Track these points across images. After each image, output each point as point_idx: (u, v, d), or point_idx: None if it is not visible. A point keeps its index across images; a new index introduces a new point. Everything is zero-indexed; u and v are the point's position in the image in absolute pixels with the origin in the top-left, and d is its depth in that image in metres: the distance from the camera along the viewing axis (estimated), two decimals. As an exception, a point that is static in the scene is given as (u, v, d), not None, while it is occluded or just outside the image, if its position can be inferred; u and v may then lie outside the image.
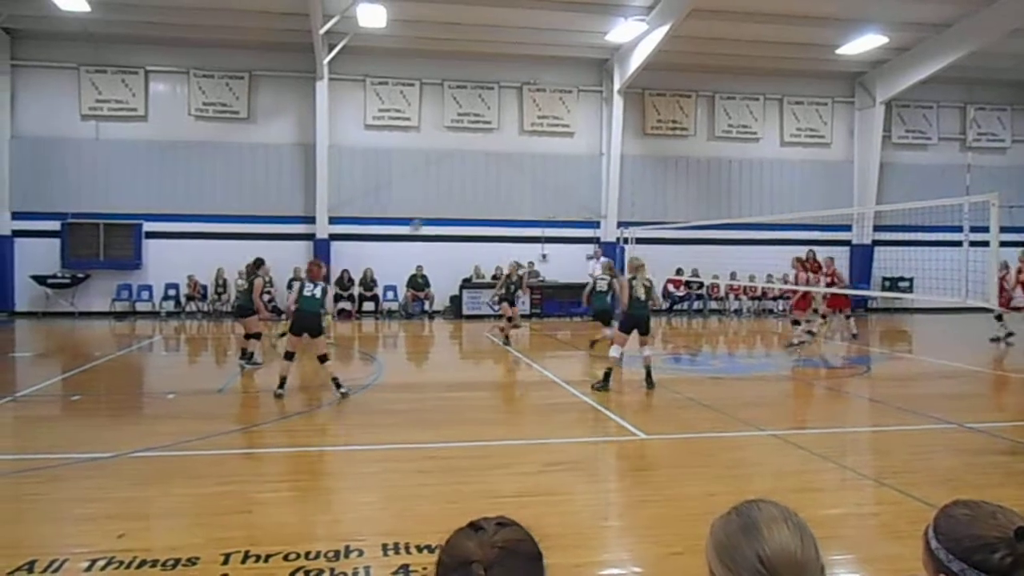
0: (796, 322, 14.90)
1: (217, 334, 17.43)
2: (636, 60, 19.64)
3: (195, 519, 5.12)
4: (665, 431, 7.84)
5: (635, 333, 10.35)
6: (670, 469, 6.58)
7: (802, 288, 14.74)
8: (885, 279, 21.82)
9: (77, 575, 4.09)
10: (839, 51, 20.05)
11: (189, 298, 20.01)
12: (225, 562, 4.23)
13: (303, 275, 10.65)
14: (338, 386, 9.38)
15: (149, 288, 20.13)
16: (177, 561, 4.23)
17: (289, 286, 20.16)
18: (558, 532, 4.55)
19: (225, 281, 19.95)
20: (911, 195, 18.83)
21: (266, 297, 19.86)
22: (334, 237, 20.42)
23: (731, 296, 22.16)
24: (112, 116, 19.83)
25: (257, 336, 12.22)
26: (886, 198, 22.01)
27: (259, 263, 12.29)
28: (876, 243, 22.62)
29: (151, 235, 19.98)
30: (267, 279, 13.89)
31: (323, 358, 9.62)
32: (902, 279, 20.88)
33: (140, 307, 20.07)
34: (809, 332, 14.83)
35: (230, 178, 20.16)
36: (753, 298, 22.06)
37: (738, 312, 22.00)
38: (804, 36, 19.50)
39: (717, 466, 6.69)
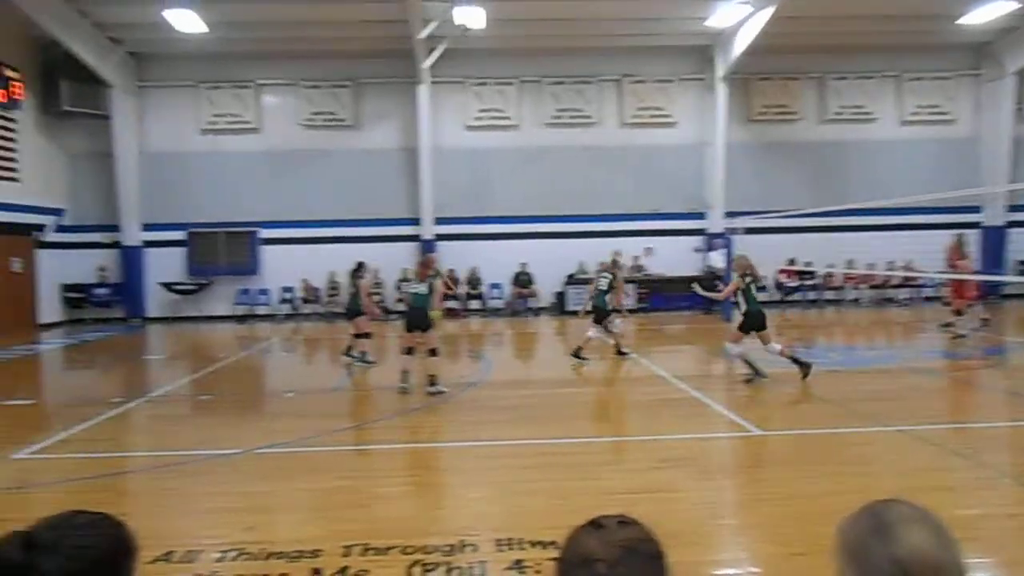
0: (959, 312, 14.02)
1: (330, 335, 18.05)
2: (740, 45, 19.05)
3: (316, 512, 5.31)
4: (781, 427, 7.57)
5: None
6: (787, 466, 6.34)
7: (963, 276, 13.86)
8: (1022, 263, 20.34)
9: (210, 565, 4.31)
10: (961, 21, 18.79)
11: (304, 300, 20.82)
12: (346, 554, 4.37)
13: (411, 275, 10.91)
14: (432, 383, 9.54)
15: (266, 292, 21.08)
16: (301, 553, 4.40)
17: (397, 287, 20.75)
18: (671, 530, 4.44)
19: (337, 283, 20.63)
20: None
21: (375, 298, 20.51)
22: (440, 237, 20.79)
23: (848, 286, 21.20)
24: (228, 129, 20.87)
25: (367, 336, 12.58)
26: (1021, 176, 20.48)
27: (360, 266, 12.70)
28: (1011, 224, 21.09)
29: (267, 241, 20.92)
30: (372, 280, 14.26)
31: (432, 352, 9.81)
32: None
33: (258, 310, 21.04)
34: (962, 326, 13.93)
35: (338, 184, 20.84)
36: (873, 287, 21.02)
37: (856, 302, 21.01)
38: (922, 7, 18.38)
39: (838, 463, 6.40)
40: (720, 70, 20.39)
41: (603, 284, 12.43)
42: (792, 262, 20.32)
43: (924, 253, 17.11)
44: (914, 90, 21.63)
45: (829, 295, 21.38)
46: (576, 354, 11.96)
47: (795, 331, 16.79)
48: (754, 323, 9.96)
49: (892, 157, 21.28)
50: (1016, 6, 17.82)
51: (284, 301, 21.00)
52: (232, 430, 8.10)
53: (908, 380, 10.39)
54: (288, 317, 20.74)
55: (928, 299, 21.00)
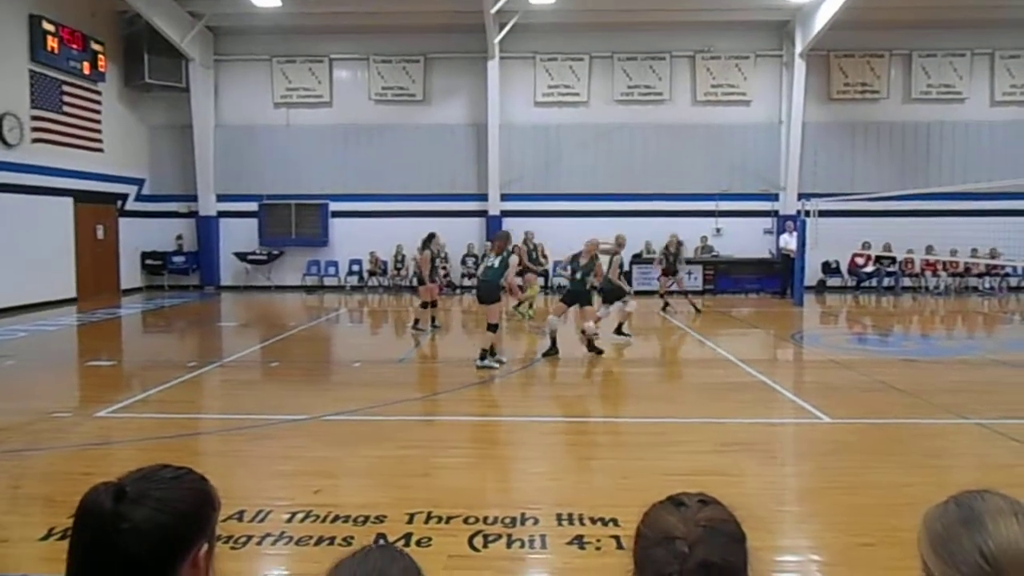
0: None
1: (397, 307, 18.31)
2: (821, 19, 18.36)
3: (381, 479, 5.41)
4: (852, 415, 7.36)
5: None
6: (858, 455, 6.16)
7: None
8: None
9: (280, 525, 4.45)
10: (1062, -5, 17.71)
11: (371, 273, 21.14)
12: (410, 521, 4.45)
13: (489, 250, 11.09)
14: (482, 357, 9.64)
15: (335, 264, 21.47)
16: (367, 518, 4.50)
17: (464, 261, 20.89)
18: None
19: (404, 257, 20.88)
20: None
21: (441, 272, 20.69)
22: (505, 213, 20.79)
23: (927, 273, 20.42)
24: (300, 103, 21.22)
25: (431, 305, 12.81)
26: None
27: (430, 237, 12.94)
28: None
29: (336, 214, 21.28)
30: (439, 252, 14.48)
31: (491, 327, 9.88)
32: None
33: (327, 281, 21.46)
34: None
35: (407, 158, 21.01)
36: (954, 275, 20.20)
37: (936, 290, 20.23)
38: (1018, -19, 17.41)
39: (912, 454, 6.20)
40: (799, 46, 19.72)
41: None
42: (866, 246, 19.67)
43: (1013, 240, 16.31)
44: (1008, 69, 20.51)
45: (907, 282, 20.64)
46: (618, 331, 12.09)
47: (870, 318, 16.29)
48: (578, 298, 10.36)
49: (981, 139, 20.28)
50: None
51: (352, 273, 21.36)
52: (301, 397, 8.31)
53: (989, 372, 9.97)
54: (355, 289, 21.10)
55: (1013, 288, 20.07)
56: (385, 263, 21.09)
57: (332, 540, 4.20)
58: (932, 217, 18.70)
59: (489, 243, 11.11)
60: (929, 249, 18.39)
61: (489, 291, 10.01)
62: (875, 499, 4.99)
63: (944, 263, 19.62)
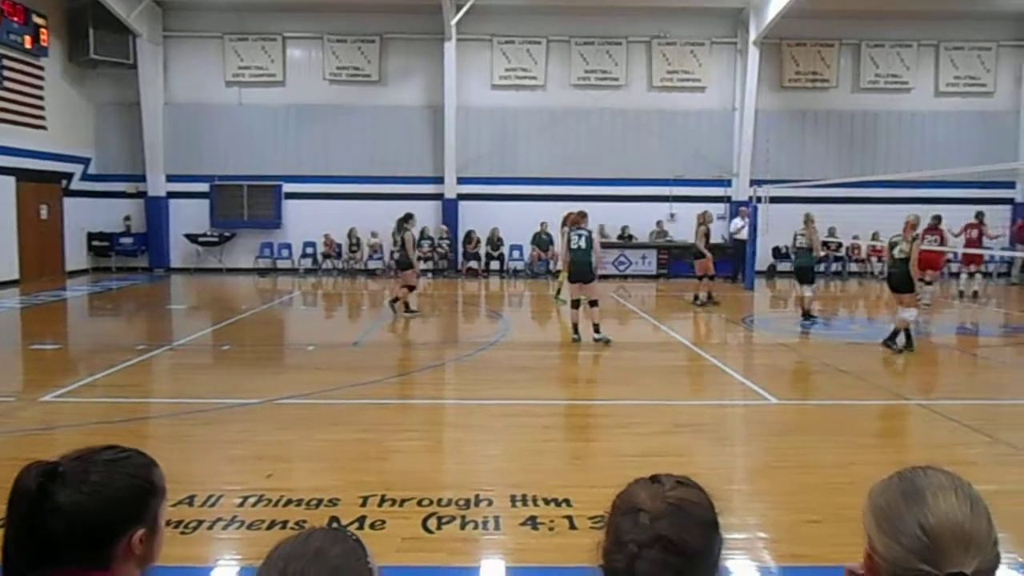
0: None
1: (351, 290, 18.17)
2: (774, 8, 18.60)
3: (335, 463, 5.40)
4: (798, 396, 7.57)
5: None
6: (804, 436, 6.34)
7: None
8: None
9: (231, 510, 4.41)
10: (1005, -11, 18.23)
11: (325, 256, 20.93)
12: (363, 504, 4.45)
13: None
14: (597, 331, 10.24)
15: (288, 246, 21.19)
16: (320, 501, 4.49)
17: (419, 244, 20.78)
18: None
19: (359, 239, 20.72)
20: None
21: (417, 253, 20.56)
22: (462, 197, 20.74)
23: (873, 258, 20.95)
24: (253, 82, 20.80)
25: (412, 288, 12.87)
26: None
27: (407, 217, 12.86)
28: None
29: (290, 196, 20.97)
30: (416, 234, 14.25)
31: (594, 303, 10.41)
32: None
33: (280, 264, 21.17)
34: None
35: (362, 140, 20.78)
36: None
37: (881, 275, 20.74)
38: (964, -26, 17.85)
39: (856, 434, 6.39)
40: (753, 34, 19.97)
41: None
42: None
43: (956, 227, 16.82)
44: (952, 60, 21.07)
45: (853, 267, 21.15)
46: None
47: (816, 302, 16.66)
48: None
49: (926, 129, 20.83)
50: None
51: (306, 256, 21.11)
52: (253, 381, 8.22)
53: (930, 354, 10.30)
54: (309, 272, 20.87)
55: (954, 274, 20.72)
56: (339, 246, 20.89)
57: (284, 524, 4.18)
58: (878, 204, 19.19)
59: (571, 222, 11.10)
60: (875, 235, 18.87)
61: (588, 270, 10.44)
62: (820, 477, 5.14)
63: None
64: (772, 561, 3.97)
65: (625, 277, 19.91)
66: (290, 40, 20.79)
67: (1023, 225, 18.89)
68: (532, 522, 4.24)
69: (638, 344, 11.43)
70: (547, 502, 4.49)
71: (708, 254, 14.38)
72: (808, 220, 12.56)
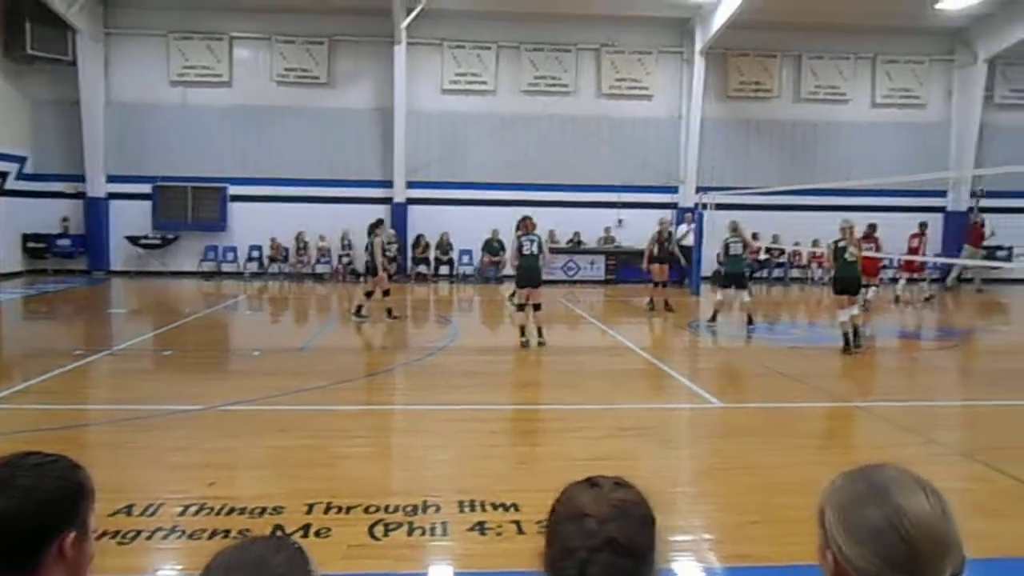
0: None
1: (298, 294, 17.93)
2: (719, 19, 18.99)
3: (280, 470, 5.32)
4: (741, 399, 7.71)
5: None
6: (746, 438, 6.47)
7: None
8: (986, 247, 20.72)
9: (172, 519, 4.31)
10: (939, 5, 18.91)
11: (272, 259, 20.62)
12: (308, 512, 4.39)
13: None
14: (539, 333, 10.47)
15: (234, 249, 20.81)
16: (264, 509, 4.42)
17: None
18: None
19: (306, 243, 20.47)
20: (1015, 159, 17.73)
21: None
22: (411, 201, 20.65)
23: (813, 264, 21.49)
24: (198, 82, 20.40)
25: (387, 293, 12.85)
26: (986, 162, 20.81)
27: (377, 223, 12.90)
28: (972, 210, 21.46)
29: (235, 198, 20.61)
30: (386, 239, 14.13)
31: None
32: (1000, 248, 19.81)
33: (225, 267, 20.78)
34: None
35: (310, 143, 20.54)
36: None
37: (821, 280, 21.30)
38: (900, -10, 18.48)
39: (796, 436, 6.56)
40: (699, 44, 20.35)
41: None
42: (756, 237, 20.53)
43: (891, 234, 17.40)
44: (888, 73, 21.81)
45: (795, 273, 21.67)
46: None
47: (759, 307, 17.01)
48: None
49: (863, 139, 21.49)
50: (991, -7, 17.98)
51: (252, 259, 20.76)
52: (196, 386, 8.05)
53: (867, 358, 10.61)
54: (255, 276, 20.53)
55: (894, 279, 21.39)
56: (286, 249, 20.60)
57: (227, 533, 4.10)
58: (819, 212, 19.70)
59: (523, 228, 11.13)
60: (815, 242, 19.36)
61: (537, 275, 10.64)
62: (762, 479, 5.25)
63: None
64: (717, 562, 4.05)
65: (574, 282, 20.04)
66: (237, 40, 20.45)
67: (976, 228, 19.50)
68: (480, 527, 4.24)
69: (586, 349, 11.53)
70: (495, 507, 4.50)
71: (386, 269, 13.79)
72: (735, 227, 12.95)
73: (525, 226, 11.05)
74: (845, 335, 10.24)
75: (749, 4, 17.60)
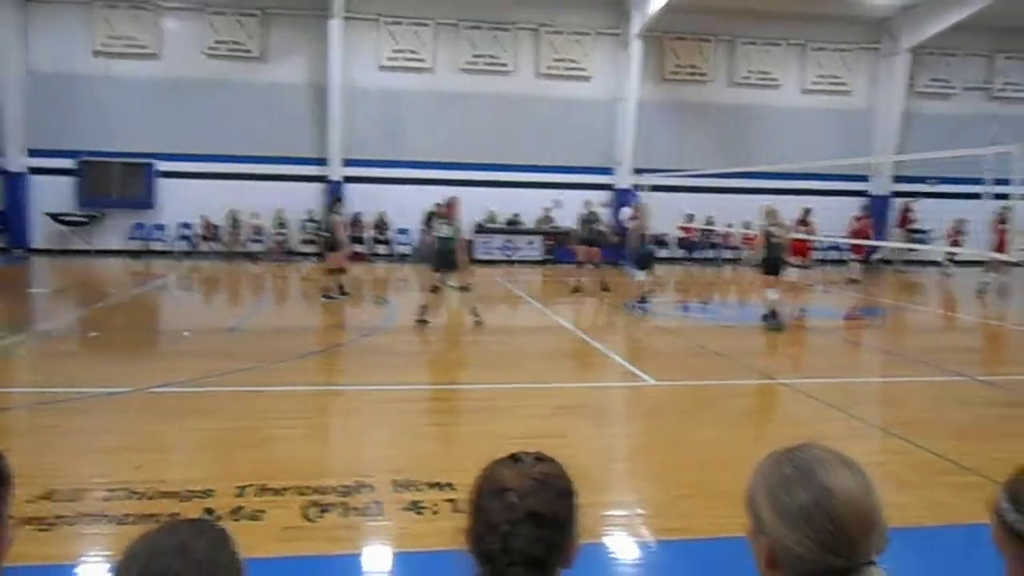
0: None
1: (231, 274, 17.53)
2: (656, 2, 19.15)
3: (211, 453, 5.23)
4: (674, 377, 7.88)
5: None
6: (679, 415, 6.63)
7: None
8: (911, 231, 21.49)
9: (95, 504, 4.20)
10: (865, -5, 19.47)
11: (203, 238, 20.08)
12: (240, 494, 4.33)
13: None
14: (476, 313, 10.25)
15: (163, 227, 20.19)
16: (193, 492, 4.33)
17: (302, 227, 20.25)
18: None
19: (239, 221, 20.01)
20: (932, 146, 18.45)
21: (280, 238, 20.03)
22: (348, 179, 20.33)
23: (746, 246, 22.00)
24: (124, 53, 19.60)
25: (342, 271, 12.72)
26: (907, 148, 21.58)
27: (337, 201, 12.94)
28: (895, 194, 22.30)
29: (164, 174, 19.94)
30: (349, 217, 14.04)
31: (466, 288, 10.58)
32: (919, 231, 20.62)
33: (154, 246, 20.14)
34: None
35: (243, 118, 19.98)
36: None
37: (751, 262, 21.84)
38: (830, -22, 18.93)
39: (727, 413, 6.74)
40: (636, 26, 20.48)
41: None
42: (691, 219, 20.94)
43: (820, 217, 17.97)
44: (817, 60, 22.37)
45: (728, 254, 22.15)
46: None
47: (693, 287, 17.38)
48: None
49: (793, 124, 22.01)
50: (915, -16, 18.60)
51: (182, 238, 20.18)
52: (123, 369, 7.81)
53: (794, 336, 10.96)
54: (185, 255, 19.96)
55: (822, 261, 22.09)
56: (218, 227, 20.09)
57: (155, 518, 4.01)
58: (751, 195, 20.16)
59: (436, 209, 11.01)
60: (747, 224, 19.83)
61: (451, 259, 10.35)
62: (693, 455, 5.39)
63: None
64: (650, 536, 4.15)
65: (512, 262, 20.09)
66: (165, 10, 19.70)
67: (905, 212, 20.50)
68: (415, 506, 4.25)
69: (523, 328, 11.61)
70: (430, 486, 4.51)
71: (348, 248, 13.98)
72: (639, 208, 13.33)
73: (440, 211, 10.86)
74: (774, 312, 10.57)
75: (685, -13, 17.78)
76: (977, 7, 18.83)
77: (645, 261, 12.98)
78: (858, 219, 18.88)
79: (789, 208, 17.28)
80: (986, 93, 22.99)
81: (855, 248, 17.83)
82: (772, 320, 10.68)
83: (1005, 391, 7.46)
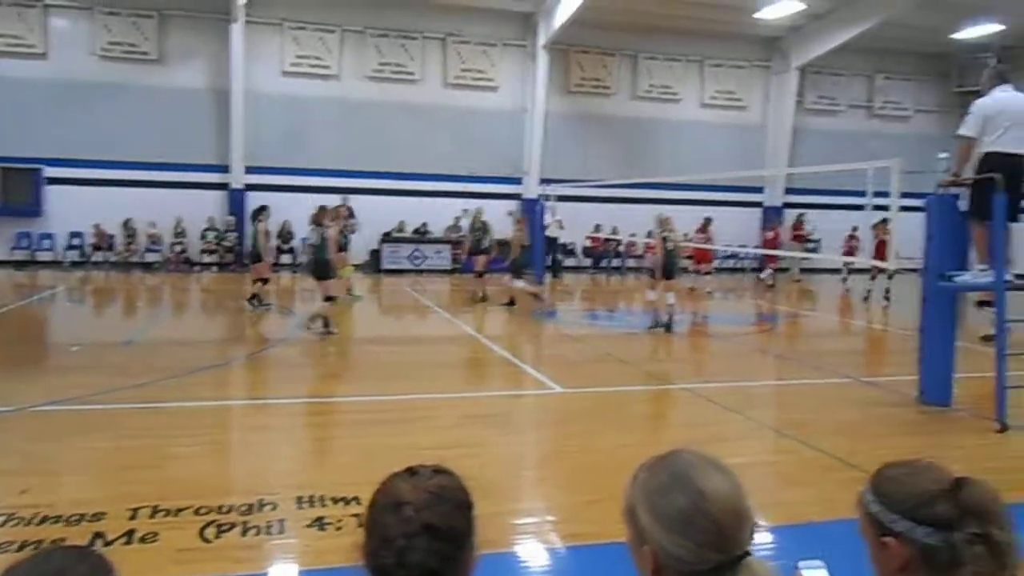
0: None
1: (126, 285, 16.77)
2: (561, 15, 19.52)
3: (102, 474, 4.98)
4: (580, 385, 8.00)
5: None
6: (585, 421, 6.74)
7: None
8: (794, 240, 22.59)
9: (-26, 532, 3.94)
10: (758, 15, 20.40)
11: (95, 247, 19.14)
12: (133, 517, 4.14)
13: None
14: (313, 322, 10.05)
15: (51, 236, 19.15)
16: (82, 516, 4.12)
17: (203, 236, 19.57)
18: (475, 483, 4.58)
19: (135, 230, 19.18)
20: (820, 160, 19.47)
21: (178, 247, 19.32)
22: (250, 187, 19.80)
23: (648, 255, 22.56)
24: (7, 52, 18.55)
25: (265, 281, 12.58)
26: (798, 162, 22.72)
27: (261, 209, 12.68)
28: (787, 205, 23.40)
29: (52, 181, 18.95)
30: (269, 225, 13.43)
31: (329, 299, 10.26)
32: (809, 240, 21.70)
33: (41, 256, 19.08)
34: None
35: (139, 123, 19.19)
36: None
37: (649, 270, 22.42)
38: (726, -1, 19.74)
39: (630, 418, 6.90)
40: (542, 39, 20.81)
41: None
42: (598, 229, 21.40)
43: (719, 227, 18.72)
44: (714, 76, 23.29)
45: (631, 263, 22.70)
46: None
47: (599, 295, 17.73)
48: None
49: (693, 137, 22.83)
50: (802, 6, 19.65)
51: (72, 248, 19.19)
52: (6, 385, 7.35)
53: (692, 342, 11.33)
54: (76, 265, 18.98)
55: (719, 270, 22.93)
56: (112, 237, 19.19)
57: (40, 544, 3.79)
58: (653, 205, 20.73)
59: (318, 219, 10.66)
60: (650, 234, 20.37)
61: (318, 267, 10.18)
62: (599, 460, 5.49)
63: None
64: (560, 542, 4.20)
65: (420, 272, 20.00)
66: (53, 9, 18.77)
67: (798, 225, 21.57)
68: (319, 523, 4.17)
69: (431, 338, 11.57)
70: (335, 501, 4.43)
71: (269, 257, 13.82)
72: (518, 219, 13.68)
73: (319, 216, 10.57)
74: (664, 316, 11.18)
75: (589, 3, 18.21)
76: (859, 30, 20.06)
77: (522, 270, 13.37)
78: (771, 229, 19.89)
79: (694, 218, 18.03)
80: (868, 111, 24.47)
81: (769, 257, 18.77)
82: (663, 322, 11.15)
83: (886, 391, 7.92)
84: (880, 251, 13.78)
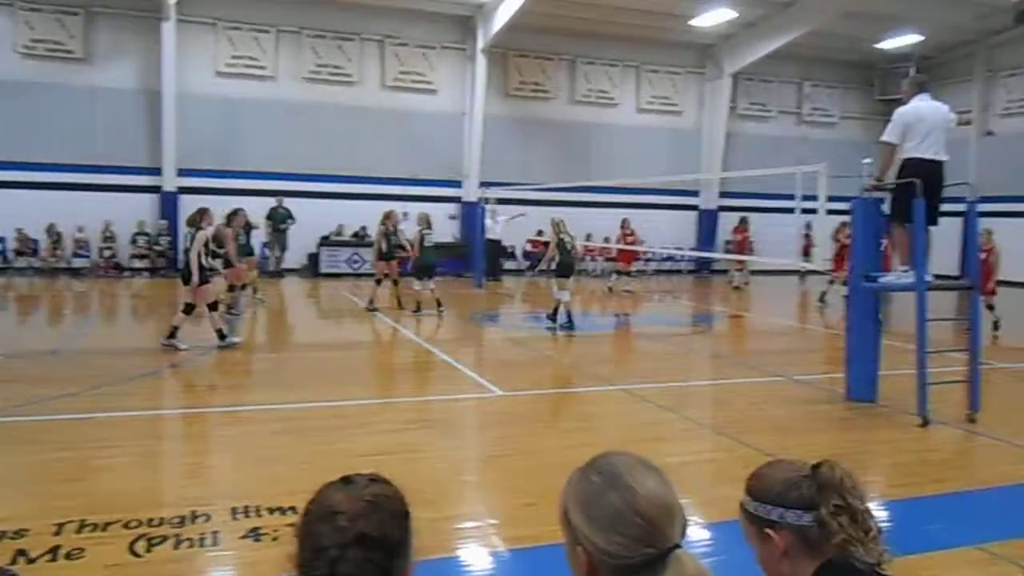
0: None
1: (51, 292, 16.16)
2: (500, 19, 19.57)
3: (26, 488, 4.80)
4: (521, 387, 8.03)
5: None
6: (525, 424, 6.77)
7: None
8: (728, 242, 23.13)
9: None
10: (692, 22, 20.82)
11: (18, 253, 18.39)
12: (58, 532, 3.99)
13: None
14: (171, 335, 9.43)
15: (-32, 241, 18.33)
16: (3, 533, 3.95)
17: (133, 240, 18.99)
18: (415, 488, 4.50)
19: (60, 235, 18.50)
20: (752, 164, 20.00)
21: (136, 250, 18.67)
22: (183, 190, 19.28)
23: (587, 257, 22.79)
24: (-82, 48, 17.71)
25: (232, 288, 12.07)
26: (731, 166, 23.26)
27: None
28: (721, 209, 23.92)
29: (-30, 183, 18.13)
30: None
31: (212, 306, 9.92)
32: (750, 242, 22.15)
33: (-42, 262, 18.25)
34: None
35: (64, 124, 18.51)
36: (608, 259, 22.76)
37: (594, 272, 22.66)
38: (661, 5, 20.05)
39: (570, 420, 6.98)
40: (481, 42, 20.83)
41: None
42: (540, 233, 21.46)
43: (658, 231, 19.07)
44: (650, 81, 23.67)
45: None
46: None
47: (540, 299, 17.79)
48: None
49: (630, 141, 23.14)
50: (735, 15, 20.14)
51: (-8, 253, 18.40)
52: (-82, 400, 7.01)
53: (631, 343, 11.50)
54: (-3, 271, 18.21)
55: (658, 271, 23.33)
56: (36, 241, 18.47)
57: (-42, 563, 3.64)
58: (591, 208, 21.03)
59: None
60: (588, 237, 20.57)
61: (186, 271, 9.72)
62: (537, 462, 5.53)
63: (600, 249, 21.98)
64: (502, 545, 4.21)
65: (359, 276, 19.79)
66: (-33, 4, 17.96)
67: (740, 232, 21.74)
68: (255, 534, 4.09)
69: (370, 343, 11.46)
70: (271, 511, 4.35)
71: (236, 262, 12.60)
72: (428, 220, 13.90)
73: (197, 218, 9.99)
74: (567, 314, 11.59)
75: (527, 7, 18.31)
76: (788, 38, 20.67)
77: (425, 271, 13.51)
78: (739, 231, 20.33)
79: (638, 220, 18.33)
80: (797, 117, 25.23)
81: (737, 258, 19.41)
82: (559, 319, 11.62)
83: (816, 389, 8.18)
84: (841, 256, 13.93)
